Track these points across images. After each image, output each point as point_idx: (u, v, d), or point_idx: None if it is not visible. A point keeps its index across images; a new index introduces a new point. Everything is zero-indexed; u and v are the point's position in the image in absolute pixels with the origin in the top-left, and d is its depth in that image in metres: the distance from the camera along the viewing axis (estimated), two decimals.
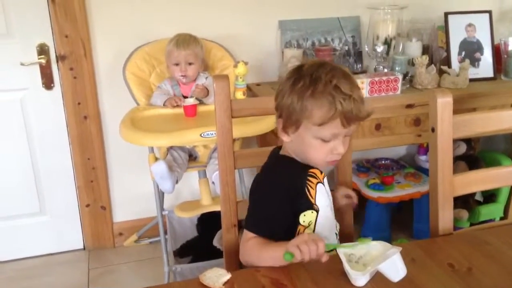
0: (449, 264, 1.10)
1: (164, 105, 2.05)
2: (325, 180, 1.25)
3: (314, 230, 1.21)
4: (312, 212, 1.18)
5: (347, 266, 1.03)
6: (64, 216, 2.44)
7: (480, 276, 1.07)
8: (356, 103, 1.09)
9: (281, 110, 1.15)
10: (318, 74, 1.10)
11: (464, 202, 2.44)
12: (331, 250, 1.08)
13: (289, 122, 1.14)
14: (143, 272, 2.32)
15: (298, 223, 1.17)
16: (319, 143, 1.13)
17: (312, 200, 1.18)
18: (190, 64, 2.06)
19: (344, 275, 1.04)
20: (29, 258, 2.42)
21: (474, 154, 2.59)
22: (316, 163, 1.19)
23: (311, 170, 1.19)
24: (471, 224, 2.46)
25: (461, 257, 1.12)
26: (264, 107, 1.34)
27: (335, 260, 1.04)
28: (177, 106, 2.01)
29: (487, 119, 1.30)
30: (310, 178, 1.19)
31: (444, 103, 1.20)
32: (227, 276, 1.06)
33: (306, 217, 1.17)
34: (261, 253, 1.12)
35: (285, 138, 1.18)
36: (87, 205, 2.43)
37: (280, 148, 1.25)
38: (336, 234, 1.28)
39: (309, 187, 1.18)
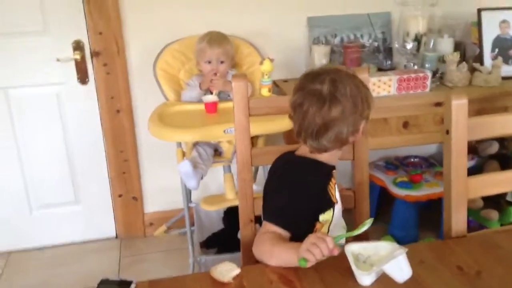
0: (458, 267, 1.10)
1: (201, 89, 2.10)
2: None
3: (329, 227, 1.26)
4: (330, 210, 1.23)
5: (352, 265, 1.05)
6: (97, 206, 2.54)
7: (489, 280, 1.06)
8: None
9: None
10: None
11: (495, 202, 2.39)
12: (339, 241, 1.10)
13: None
14: (171, 262, 2.39)
15: (317, 220, 1.22)
16: None
17: (334, 199, 1.24)
18: (221, 62, 2.10)
19: (351, 273, 1.06)
20: (64, 246, 2.52)
21: (507, 153, 2.52)
22: None
23: (334, 170, 1.26)
24: (502, 225, 2.41)
25: (471, 260, 1.12)
26: (280, 105, 1.36)
27: (342, 258, 1.06)
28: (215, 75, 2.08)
29: (505, 121, 1.28)
30: (332, 179, 1.25)
31: (459, 105, 1.19)
32: (237, 270, 1.10)
33: (325, 216, 1.22)
34: (274, 248, 1.14)
35: None
36: (120, 196, 2.52)
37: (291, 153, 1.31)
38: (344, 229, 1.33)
39: (330, 187, 1.24)
